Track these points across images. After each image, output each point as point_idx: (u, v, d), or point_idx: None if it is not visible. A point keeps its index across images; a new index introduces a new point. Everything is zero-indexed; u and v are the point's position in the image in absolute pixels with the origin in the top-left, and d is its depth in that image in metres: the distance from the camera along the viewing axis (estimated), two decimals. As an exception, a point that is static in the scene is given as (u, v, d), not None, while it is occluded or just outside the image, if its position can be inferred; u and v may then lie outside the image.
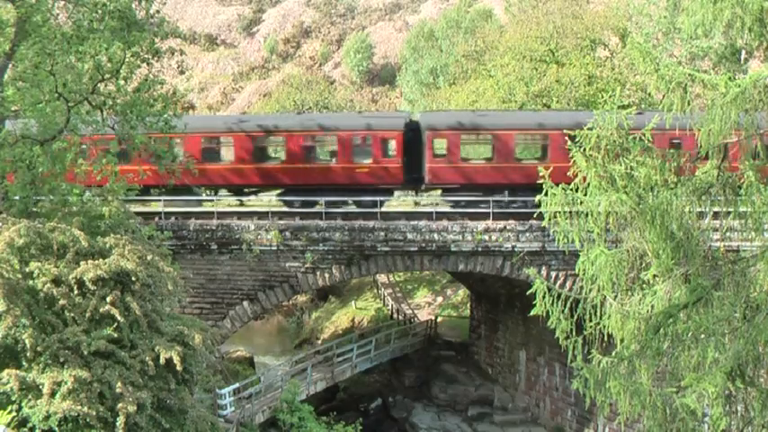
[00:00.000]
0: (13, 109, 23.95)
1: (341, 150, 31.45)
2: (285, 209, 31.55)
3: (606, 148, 13.32)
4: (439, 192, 32.76)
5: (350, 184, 31.41)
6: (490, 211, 29.70)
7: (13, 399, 17.30)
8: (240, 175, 31.76)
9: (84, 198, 22.93)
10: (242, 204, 32.60)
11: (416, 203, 33.88)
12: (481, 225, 28.86)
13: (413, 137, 31.55)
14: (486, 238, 28.74)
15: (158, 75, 24.98)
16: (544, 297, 14.03)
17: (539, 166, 14.47)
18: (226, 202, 32.42)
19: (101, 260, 18.26)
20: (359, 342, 35.51)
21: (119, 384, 17.28)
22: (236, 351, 40.84)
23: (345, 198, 31.31)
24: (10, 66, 23.55)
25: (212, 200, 31.70)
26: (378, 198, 30.62)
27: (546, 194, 13.78)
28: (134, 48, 23.65)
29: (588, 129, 13.67)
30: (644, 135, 13.32)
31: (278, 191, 32.62)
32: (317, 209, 30.55)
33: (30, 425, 17.25)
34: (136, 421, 17.49)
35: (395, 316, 44.19)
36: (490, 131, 31.35)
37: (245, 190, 32.67)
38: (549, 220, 13.99)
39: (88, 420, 17.00)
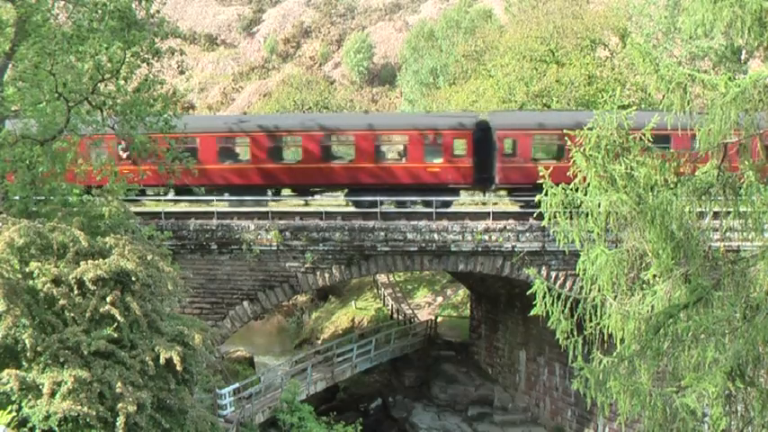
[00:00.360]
0: (13, 109, 23.94)
1: (411, 150, 31.27)
2: (285, 209, 31.56)
3: (606, 148, 13.32)
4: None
5: (418, 184, 31.18)
6: (490, 211, 29.69)
7: (13, 399, 17.30)
8: (305, 175, 31.60)
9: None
10: (307, 204, 32.49)
11: (483, 203, 33.64)
12: (481, 225, 28.86)
13: (482, 136, 31.33)
14: (486, 238, 28.74)
15: (158, 75, 24.96)
16: (544, 297, 14.03)
17: None
18: (225, 202, 32.41)
19: (101, 260, 18.26)
20: (359, 342, 35.52)
21: (119, 384, 17.28)
22: (236, 351, 40.84)
23: (413, 198, 31.11)
24: (10, 66, 23.54)
25: (277, 200, 31.79)
26: (446, 198, 30.58)
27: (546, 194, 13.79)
28: (134, 48, 23.62)
29: (588, 129, 13.68)
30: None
31: (343, 191, 32.57)
32: (317, 209, 30.55)
33: (30, 425, 17.25)
34: (136, 421, 17.49)
35: (395, 316, 44.19)
36: (557, 131, 31.05)
37: (311, 190, 32.51)
38: (549, 219, 14.00)
39: (88, 420, 17.00)
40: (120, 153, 30.58)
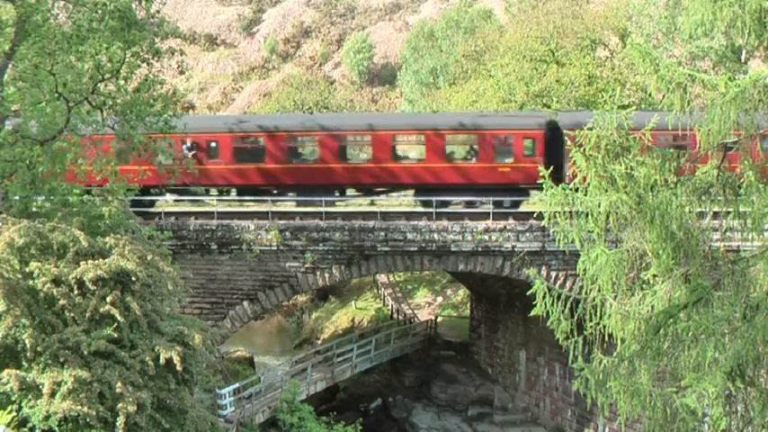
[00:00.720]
0: (13, 109, 23.93)
1: (482, 149, 31.10)
2: (285, 209, 31.55)
3: (606, 148, 13.32)
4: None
5: (488, 185, 30.99)
6: (490, 210, 29.69)
7: (13, 399, 17.30)
8: (372, 175, 31.48)
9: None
10: (373, 203, 32.50)
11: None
12: (481, 225, 28.85)
13: (552, 136, 31.22)
14: (486, 238, 28.73)
15: (158, 75, 24.95)
16: (544, 297, 14.03)
17: None
18: (226, 202, 32.45)
19: (101, 260, 18.25)
20: (359, 342, 35.52)
21: (119, 384, 17.28)
22: (236, 351, 40.82)
23: (482, 198, 30.91)
24: (10, 66, 23.53)
25: (343, 200, 31.95)
26: (516, 198, 30.57)
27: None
28: (134, 48, 23.61)
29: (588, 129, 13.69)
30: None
31: (411, 190, 32.51)
32: (316, 209, 30.54)
33: (30, 425, 17.25)
34: (136, 421, 17.49)
35: (395, 316, 44.18)
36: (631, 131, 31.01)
37: (375, 189, 32.46)
38: (549, 220, 14.00)
39: (88, 420, 16.99)
40: (186, 152, 30.75)
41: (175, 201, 32.81)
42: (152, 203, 31.55)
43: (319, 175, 30.89)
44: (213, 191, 32.39)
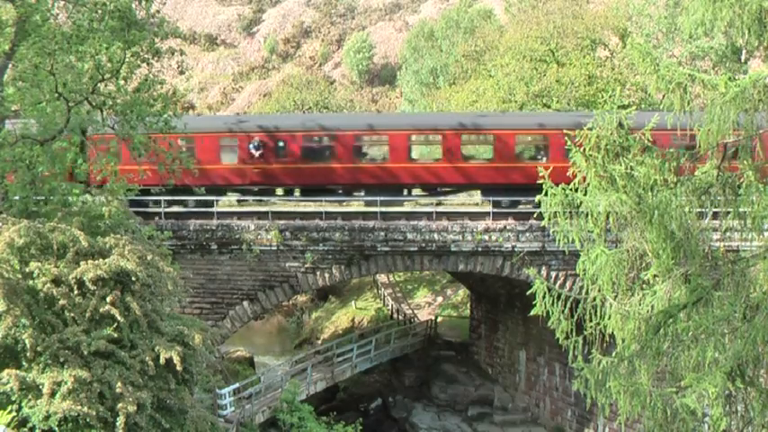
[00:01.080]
0: (13, 109, 23.94)
1: (553, 149, 30.64)
2: (285, 209, 31.53)
3: (606, 148, 13.32)
4: None
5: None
6: (490, 210, 29.69)
7: (13, 399, 17.29)
8: (437, 175, 31.30)
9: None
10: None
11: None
12: (481, 225, 28.85)
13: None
14: (486, 238, 28.74)
15: (158, 75, 24.95)
16: (544, 297, 14.03)
17: None
18: (226, 202, 32.45)
19: (101, 260, 18.25)
20: (359, 342, 35.52)
21: (119, 384, 17.27)
22: (236, 351, 40.82)
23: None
24: (10, 66, 23.53)
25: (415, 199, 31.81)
26: None
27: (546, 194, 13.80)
28: (134, 48, 23.61)
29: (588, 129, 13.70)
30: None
31: (477, 190, 32.37)
32: (317, 209, 30.56)
33: (30, 425, 17.24)
34: (136, 421, 17.48)
35: (395, 316, 44.19)
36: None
37: (439, 189, 32.23)
38: (549, 220, 14.00)
39: (88, 420, 16.99)
40: (253, 152, 30.76)
41: (239, 201, 32.72)
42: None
43: (387, 175, 30.60)
44: (279, 191, 32.29)
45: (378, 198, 30.28)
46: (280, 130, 31.38)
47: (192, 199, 29.92)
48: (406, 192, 32.25)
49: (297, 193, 32.12)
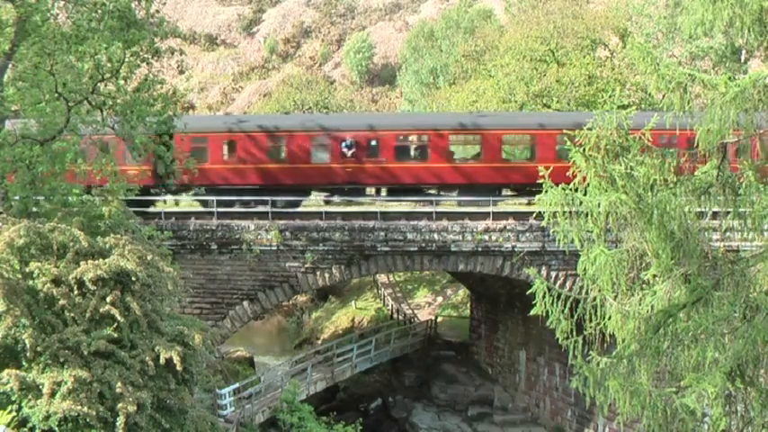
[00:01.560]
0: (13, 109, 23.94)
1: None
2: (285, 209, 31.52)
3: (606, 148, 13.33)
4: None
5: None
6: (490, 210, 29.69)
7: (13, 399, 17.29)
8: (528, 175, 30.73)
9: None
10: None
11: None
12: (481, 225, 28.85)
13: None
14: (486, 238, 28.73)
15: (158, 75, 24.95)
16: (544, 297, 14.03)
17: None
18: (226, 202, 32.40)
19: (101, 260, 18.25)
20: (359, 342, 35.51)
21: (119, 384, 17.28)
22: (236, 351, 40.82)
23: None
24: (10, 66, 23.53)
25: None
26: None
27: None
28: (134, 48, 23.61)
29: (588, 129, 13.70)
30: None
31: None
32: (317, 208, 30.54)
33: (30, 425, 17.24)
34: (136, 421, 17.48)
35: (395, 316, 44.19)
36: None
37: (528, 189, 31.89)
38: (549, 220, 14.00)
39: (88, 420, 16.99)
40: (345, 151, 30.94)
41: (325, 200, 32.64)
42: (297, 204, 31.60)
43: (480, 174, 30.57)
44: (370, 190, 32.39)
45: (377, 198, 30.25)
46: (377, 128, 31.48)
47: (280, 199, 30.31)
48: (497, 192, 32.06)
49: (383, 192, 32.15)
